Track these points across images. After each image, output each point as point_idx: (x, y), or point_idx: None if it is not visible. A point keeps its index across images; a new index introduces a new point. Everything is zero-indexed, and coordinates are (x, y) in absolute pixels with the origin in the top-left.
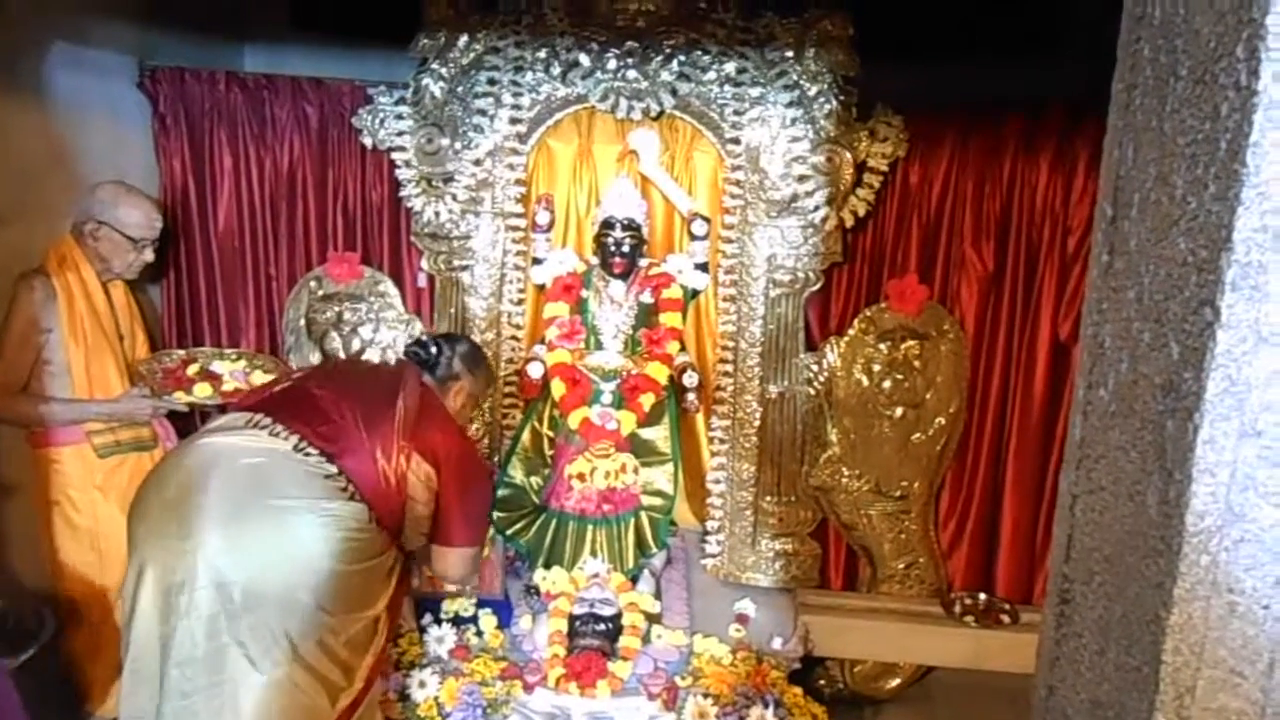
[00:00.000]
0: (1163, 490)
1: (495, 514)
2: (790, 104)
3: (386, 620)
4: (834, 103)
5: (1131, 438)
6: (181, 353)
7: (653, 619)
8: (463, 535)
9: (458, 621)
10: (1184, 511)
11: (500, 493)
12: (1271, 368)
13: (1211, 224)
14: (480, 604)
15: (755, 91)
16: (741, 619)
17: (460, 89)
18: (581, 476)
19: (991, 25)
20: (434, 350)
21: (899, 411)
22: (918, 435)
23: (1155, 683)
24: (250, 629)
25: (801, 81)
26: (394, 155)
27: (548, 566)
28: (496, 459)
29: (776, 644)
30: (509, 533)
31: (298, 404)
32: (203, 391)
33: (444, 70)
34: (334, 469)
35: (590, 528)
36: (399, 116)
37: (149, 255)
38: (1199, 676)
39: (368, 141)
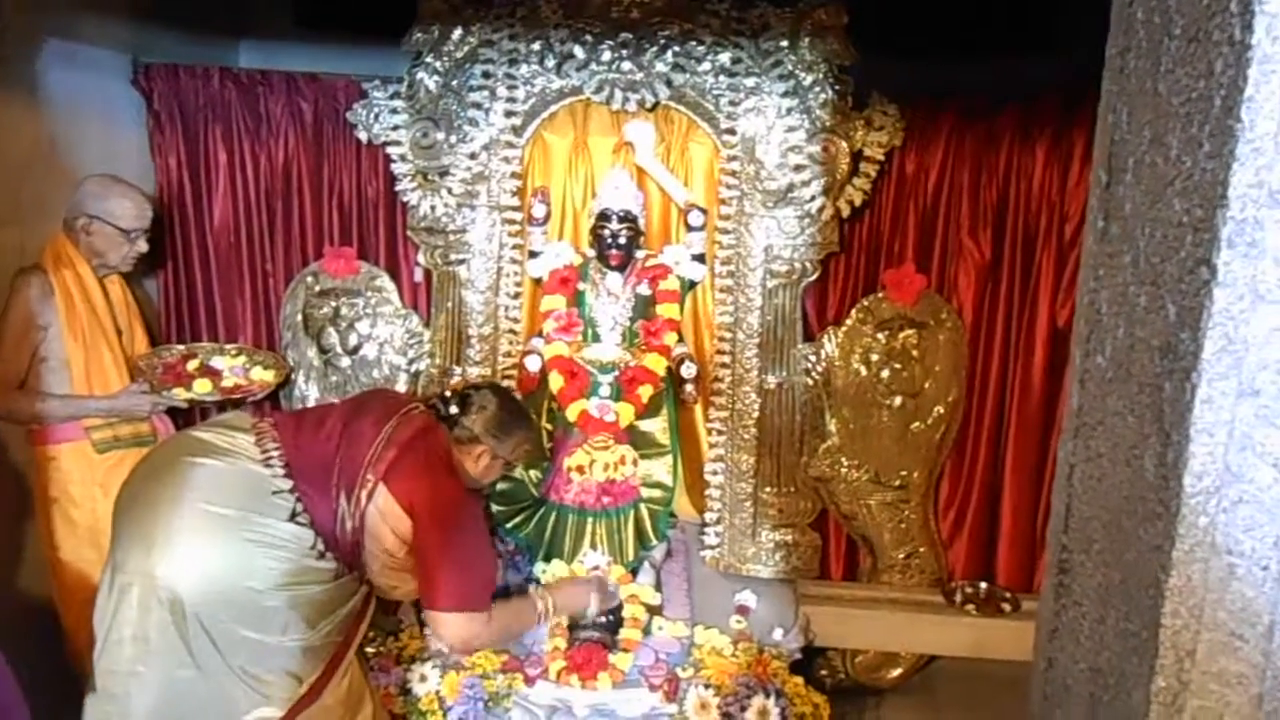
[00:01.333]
0: (1160, 453)
1: (494, 507)
2: (785, 94)
3: (341, 639)
4: (829, 92)
5: (1129, 402)
6: (181, 348)
7: (653, 611)
8: (448, 597)
9: None
10: (1182, 473)
11: (499, 486)
12: (1269, 325)
13: (1206, 182)
14: None
15: (750, 82)
16: (742, 610)
17: (455, 83)
18: (580, 469)
19: (985, 16)
20: (453, 411)
21: (897, 401)
22: (916, 424)
23: (1155, 647)
24: (176, 628)
25: (797, 71)
26: (389, 150)
27: (548, 560)
28: None
29: (777, 635)
30: (509, 526)
31: (309, 413)
32: (202, 388)
33: (438, 64)
34: (287, 485)
35: (590, 520)
36: (394, 111)
37: (143, 245)
38: (1199, 640)
39: (363, 136)
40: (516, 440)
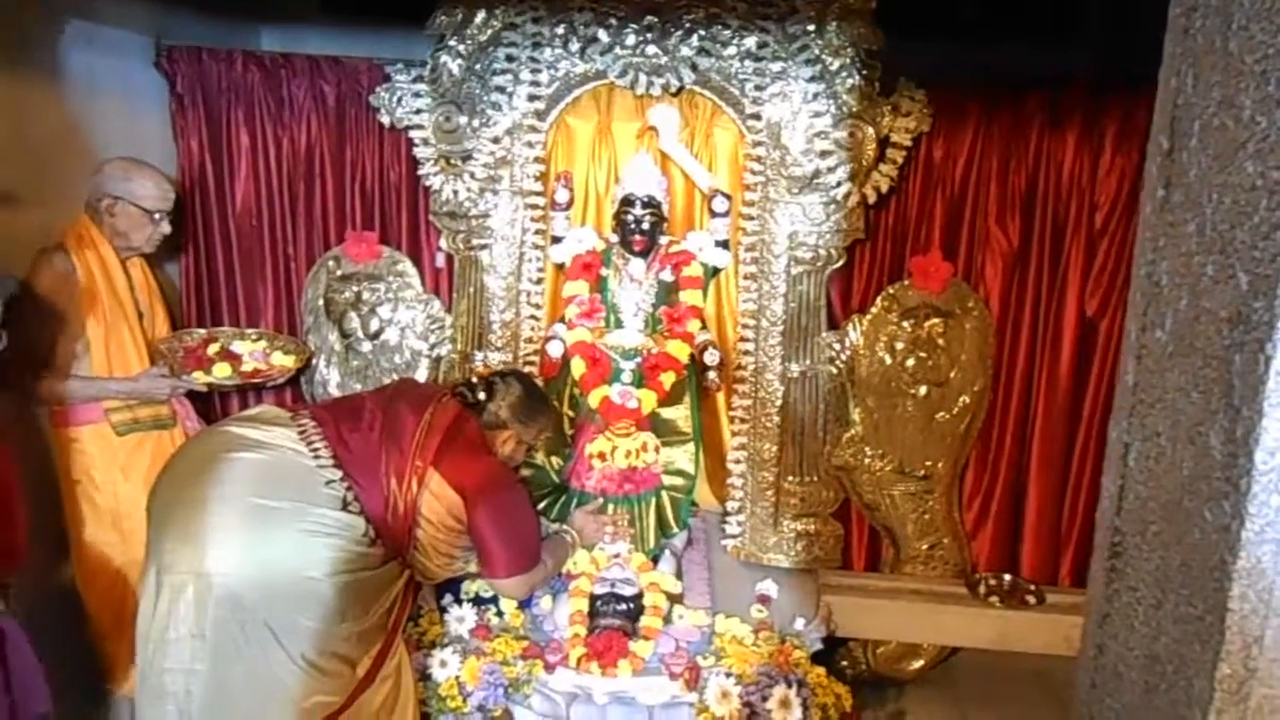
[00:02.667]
0: (1229, 429)
1: None
2: (812, 79)
3: (389, 622)
4: (856, 77)
5: (1192, 377)
6: (203, 332)
7: (674, 599)
8: (505, 566)
9: (478, 601)
10: (1253, 449)
11: (521, 473)
12: None
13: None
14: None
15: (776, 66)
16: (763, 599)
17: (478, 66)
18: (602, 456)
19: (1008, 6)
20: (480, 396)
21: (922, 390)
22: (941, 414)
23: (1220, 632)
24: (236, 623)
25: (823, 56)
26: (412, 134)
27: None
28: None
29: (799, 624)
30: None
31: (342, 404)
32: (221, 372)
33: (461, 47)
34: (337, 475)
35: (611, 507)
36: (416, 95)
37: (166, 227)
38: (1267, 625)
39: (385, 120)
40: (540, 425)
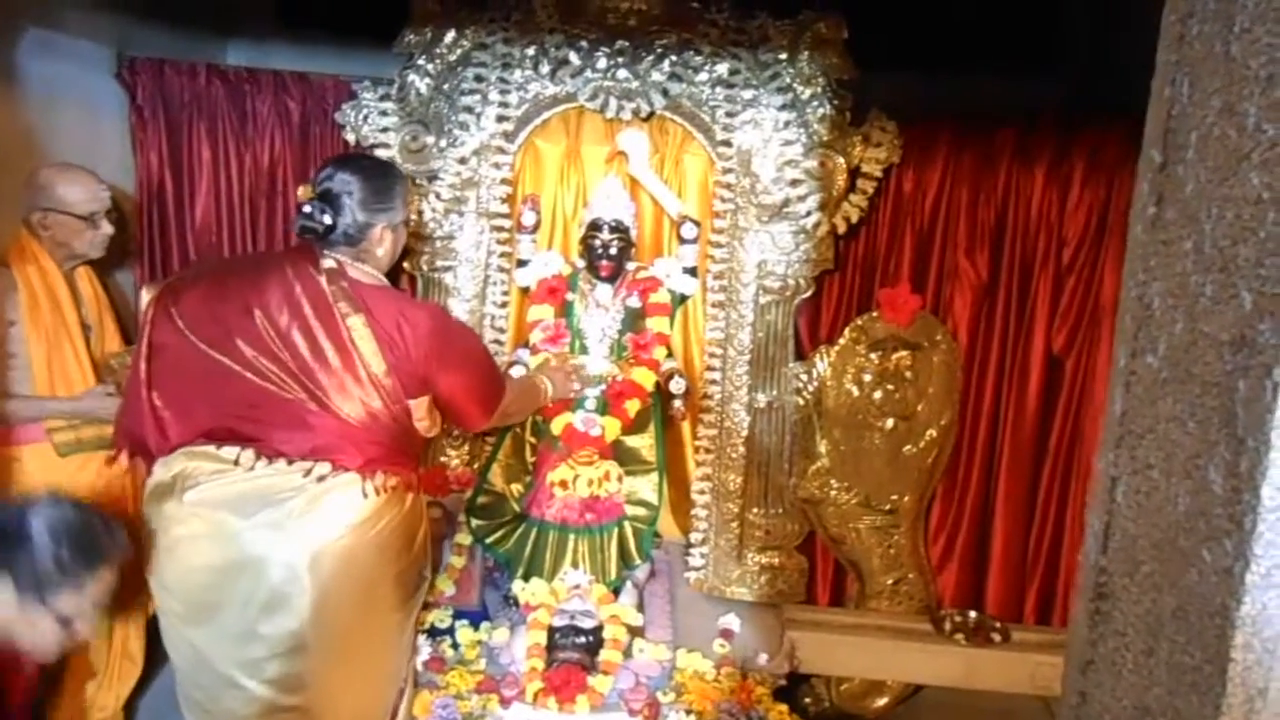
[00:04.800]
0: (1231, 462)
1: (474, 521)
2: (783, 107)
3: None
4: (828, 106)
5: (1189, 406)
6: None
7: (635, 632)
8: (482, 416)
9: (433, 633)
10: (1259, 484)
11: (479, 500)
12: None
13: None
14: (457, 615)
15: (748, 94)
16: (726, 634)
17: (446, 86)
18: (564, 484)
19: (983, 33)
20: (326, 220)
21: (890, 423)
22: (909, 447)
23: (1221, 684)
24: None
25: (795, 84)
26: (377, 152)
27: (527, 577)
28: (476, 465)
29: (762, 660)
30: (488, 542)
31: (260, 402)
32: None
33: (430, 66)
34: (325, 469)
35: (572, 538)
36: (383, 113)
37: (107, 228)
38: (1272, 676)
39: (351, 138)
40: (401, 193)
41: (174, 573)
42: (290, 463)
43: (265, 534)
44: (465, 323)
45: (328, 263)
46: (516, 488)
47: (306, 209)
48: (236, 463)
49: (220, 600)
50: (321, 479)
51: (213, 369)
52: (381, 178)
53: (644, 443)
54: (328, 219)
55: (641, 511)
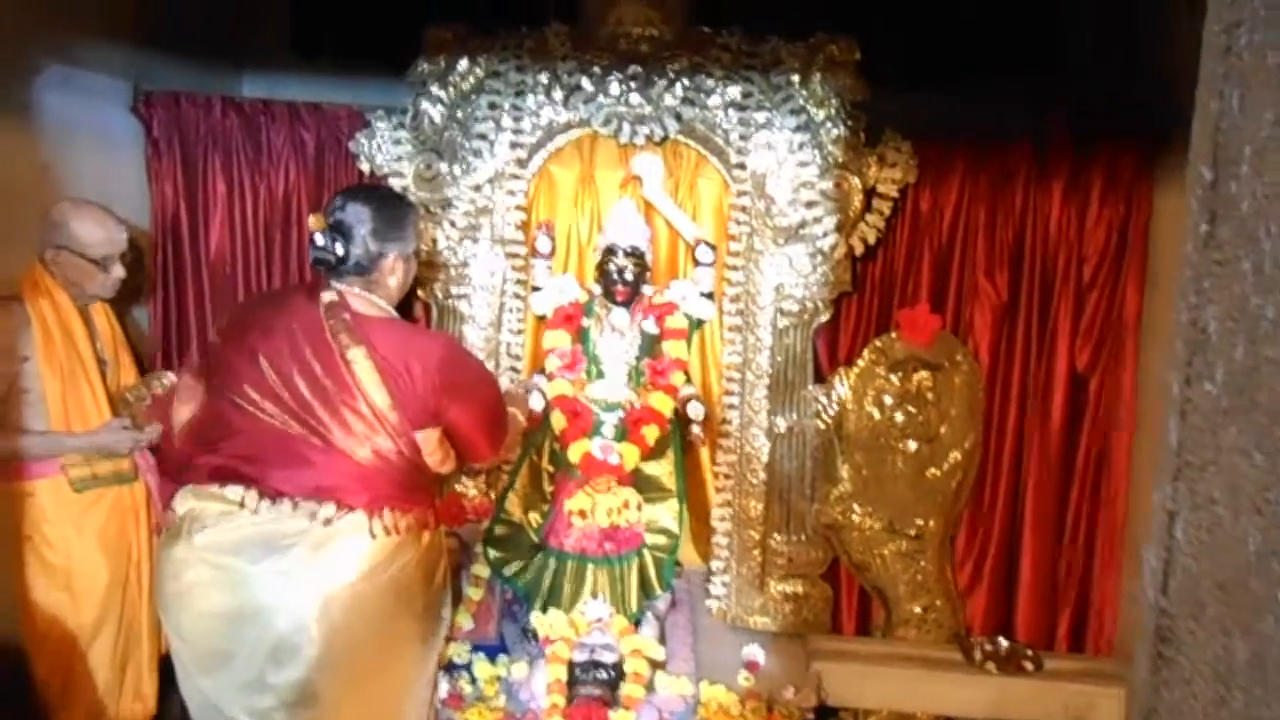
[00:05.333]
0: None
1: (491, 553)
2: (797, 129)
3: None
4: (842, 128)
5: (1254, 436)
6: (172, 377)
7: (657, 665)
8: (490, 450)
9: (451, 668)
10: None
11: (497, 530)
12: None
13: None
14: (475, 649)
15: (761, 116)
16: (750, 666)
17: (460, 114)
18: (582, 513)
19: (993, 51)
20: (339, 250)
21: (912, 446)
22: (932, 470)
23: None
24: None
25: (808, 106)
26: (391, 181)
27: (546, 610)
28: (493, 496)
29: (789, 694)
30: (506, 573)
31: (267, 443)
32: None
33: (443, 95)
34: (329, 512)
35: (591, 568)
36: (397, 142)
37: (119, 272)
38: None
39: (365, 167)
40: (413, 223)
41: (186, 619)
42: (295, 505)
43: (272, 581)
44: (476, 353)
45: (328, 296)
46: (534, 517)
47: (319, 240)
48: (242, 504)
49: (229, 649)
50: (328, 521)
51: (222, 411)
52: (393, 208)
53: (663, 469)
54: (340, 249)
55: (662, 540)
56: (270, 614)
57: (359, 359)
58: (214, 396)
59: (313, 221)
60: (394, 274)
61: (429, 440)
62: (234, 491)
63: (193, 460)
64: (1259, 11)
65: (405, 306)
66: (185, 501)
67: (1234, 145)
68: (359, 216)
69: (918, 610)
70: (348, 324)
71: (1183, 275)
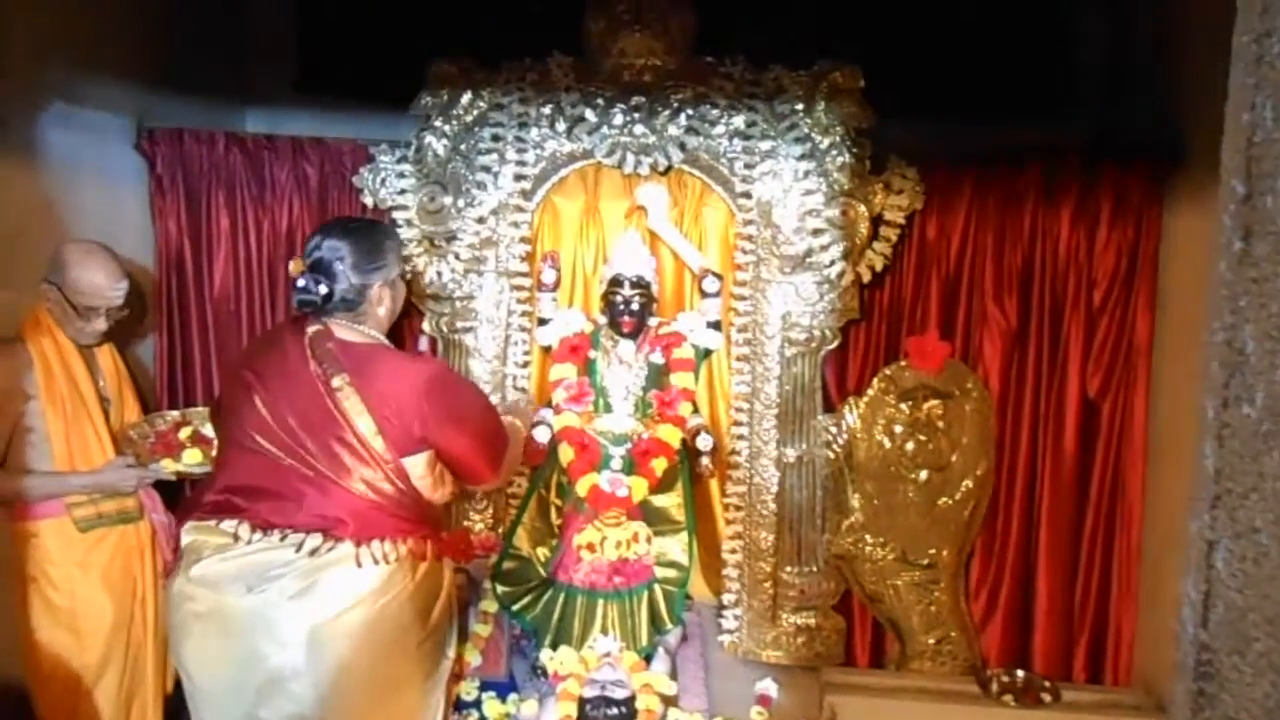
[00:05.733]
0: None
1: (499, 588)
2: (802, 157)
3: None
4: (847, 155)
5: None
6: (176, 414)
7: (669, 701)
8: (488, 472)
9: (460, 706)
10: None
11: (505, 565)
12: None
13: None
14: (484, 687)
15: (766, 145)
16: (763, 700)
17: (463, 146)
18: (591, 547)
19: (998, 80)
20: (323, 289)
21: (924, 474)
22: (944, 499)
23: None
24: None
25: (813, 134)
26: (395, 214)
27: (555, 646)
28: (501, 530)
29: None
30: (515, 609)
31: (260, 476)
32: (192, 458)
33: (447, 127)
34: (316, 542)
35: (601, 602)
36: (401, 175)
37: (100, 325)
38: None
39: (369, 201)
40: (394, 249)
41: (187, 652)
42: (284, 536)
43: (259, 613)
44: (482, 386)
45: (313, 327)
46: (543, 551)
47: (300, 283)
48: (235, 537)
49: (223, 683)
50: (314, 552)
51: (225, 450)
52: (370, 237)
53: (672, 502)
54: (323, 288)
55: (672, 573)
56: (258, 647)
57: (343, 386)
58: (220, 438)
59: (293, 266)
60: (381, 303)
61: (417, 465)
62: (229, 524)
63: (199, 498)
64: None
65: (399, 335)
66: (187, 536)
67: (1268, 158)
68: (337, 252)
69: (932, 642)
70: (331, 353)
71: (1216, 294)
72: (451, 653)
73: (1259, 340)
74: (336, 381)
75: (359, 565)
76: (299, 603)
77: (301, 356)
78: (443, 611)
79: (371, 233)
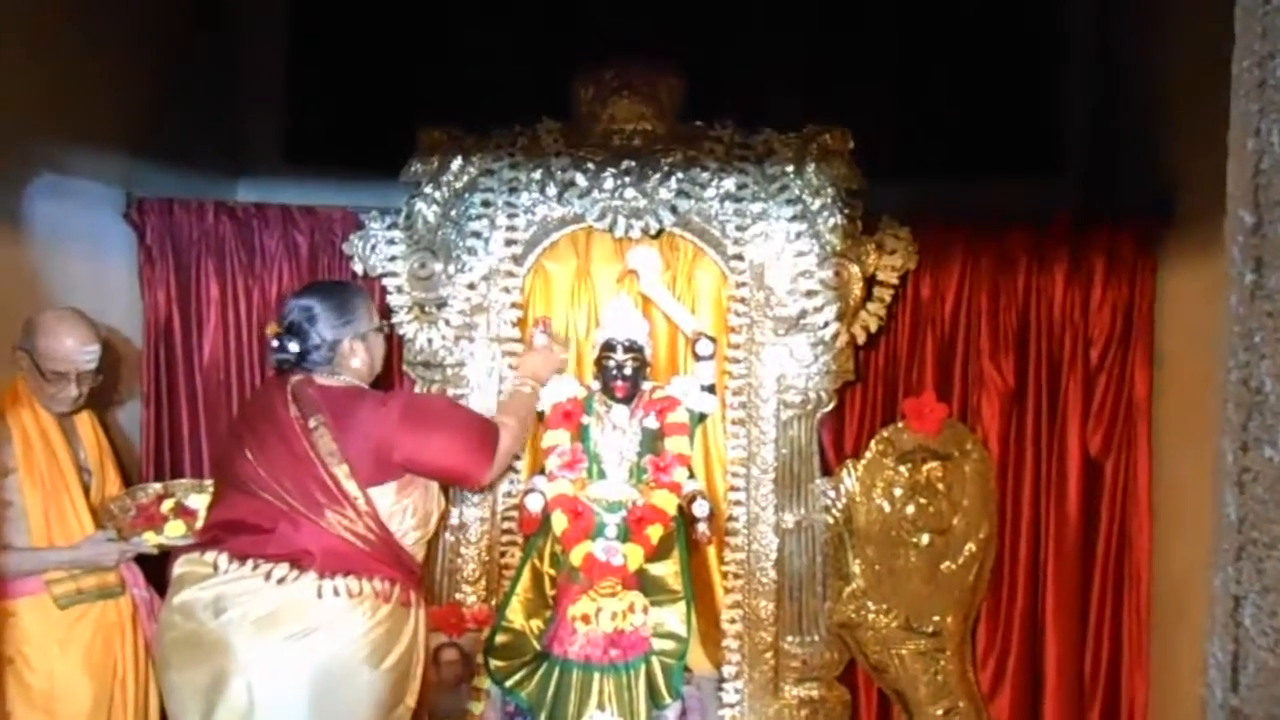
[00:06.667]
0: None
1: (493, 663)
2: (793, 218)
3: None
4: (838, 216)
5: None
6: (158, 487)
7: None
8: (480, 465)
9: None
10: None
11: (498, 639)
12: None
13: None
14: None
15: (757, 207)
16: None
17: (454, 212)
18: (586, 618)
19: (986, 141)
20: (294, 348)
21: (925, 538)
22: (947, 564)
23: None
24: None
25: (804, 196)
26: (385, 282)
27: None
28: (494, 602)
29: None
30: (508, 685)
31: (240, 511)
32: (175, 530)
33: (437, 194)
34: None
35: (597, 676)
36: (391, 242)
37: (70, 392)
38: None
39: (359, 268)
40: (363, 306)
41: (165, 683)
42: (255, 566)
43: (225, 638)
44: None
45: (296, 377)
46: (537, 624)
47: (274, 344)
48: (215, 567)
49: (192, 711)
50: (281, 581)
51: (220, 494)
52: (338, 295)
53: (669, 570)
54: (294, 346)
55: (669, 645)
56: (221, 673)
57: (318, 427)
58: (216, 486)
59: (270, 329)
60: (355, 355)
61: (386, 495)
62: (210, 555)
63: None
64: None
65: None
66: (178, 568)
67: (1277, 184)
68: (307, 312)
69: (940, 713)
70: (311, 397)
71: (1228, 332)
72: (411, 702)
73: (1277, 377)
74: (313, 422)
75: (319, 596)
76: (258, 627)
77: (284, 402)
78: (402, 659)
79: (339, 290)
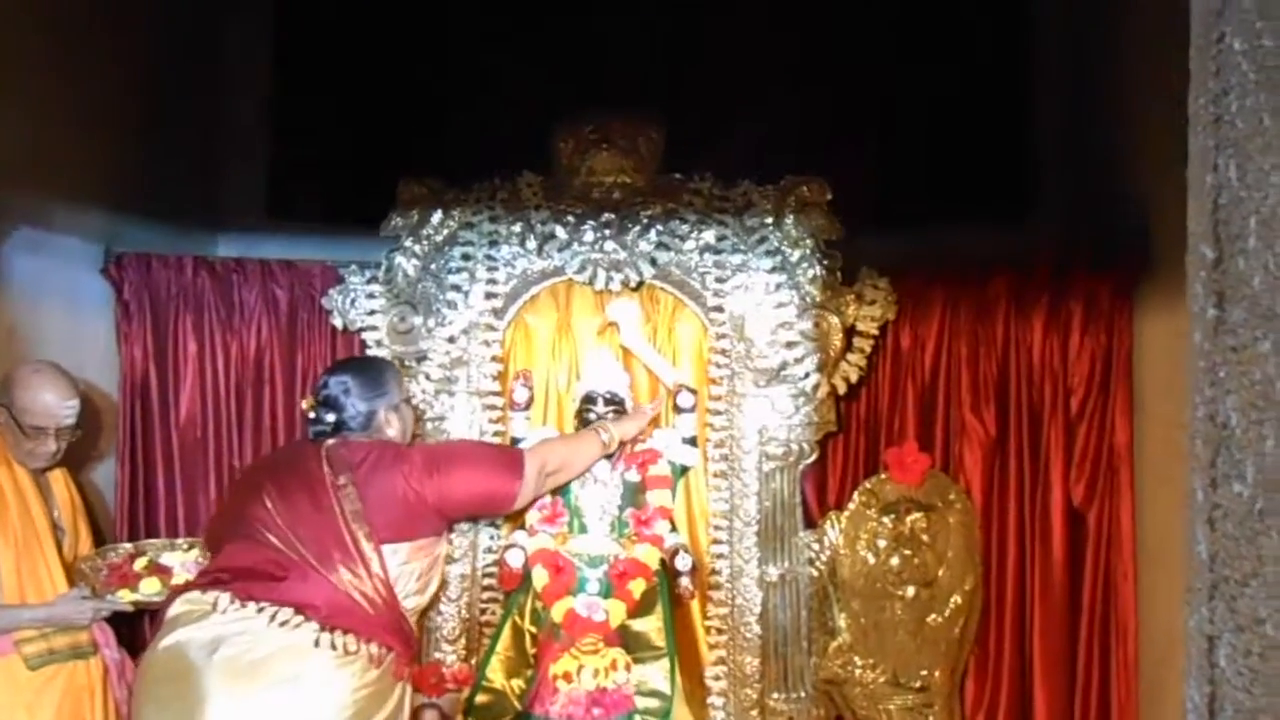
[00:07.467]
0: None
1: None
2: (773, 269)
3: None
4: (818, 267)
5: None
6: (129, 546)
7: None
8: (508, 484)
9: None
10: None
11: (479, 699)
12: None
13: None
14: None
15: (736, 259)
16: None
17: (434, 266)
18: (567, 676)
19: (963, 189)
20: (330, 419)
21: (910, 591)
22: (933, 617)
23: None
24: None
25: (783, 247)
26: (365, 336)
27: None
28: (474, 660)
29: None
30: None
31: (251, 558)
32: (150, 588)
33: (417, 248)
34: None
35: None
36: (370, 296)
37: (49, 446)
38: None
39: (338, 323)
40: (393, 379)
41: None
42: (260, 609)
43: (202, 685)
44: None
45: (331, 440)
46: (518, 683)
47: (312, 416)
48: (214, 606)
49: None
50: (284, 624)
51: (224, 541)
52: (370, 369)
53: (652, 626)
54: (331, 417)
55: (653, 703)
56: (214, 704)
57: (346, 484)
58: (217, 541)
59: (305, 404)
60: (390, 425)
61: (396, 554)
62: (211, 595)
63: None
64: (1248, 76)
65: None
66: (175, 608)
67: (1236, 219)
68: (342, 385)
69: None
70: (342, 456)
71: (1193, 368)
72: None
73: (1243, 411)
74: (342, 479)
75: (316, 645)
76: (246, 672)
77: (316, 456)
78: None
79: (371, 365)
